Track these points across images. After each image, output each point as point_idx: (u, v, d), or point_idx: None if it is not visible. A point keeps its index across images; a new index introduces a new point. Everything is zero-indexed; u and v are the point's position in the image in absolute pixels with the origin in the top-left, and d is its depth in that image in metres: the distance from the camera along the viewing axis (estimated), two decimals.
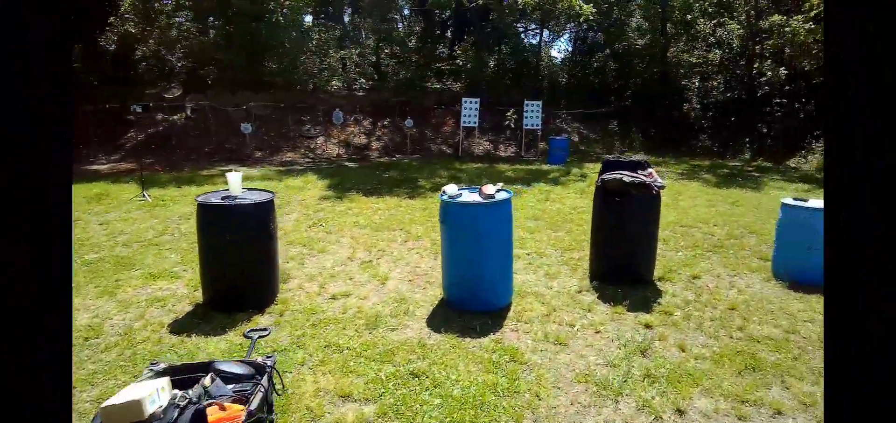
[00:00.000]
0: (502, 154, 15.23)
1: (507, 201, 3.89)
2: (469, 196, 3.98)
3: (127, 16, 15.72)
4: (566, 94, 18.95)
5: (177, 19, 16.07)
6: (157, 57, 15.36)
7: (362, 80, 17.26)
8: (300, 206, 7.61)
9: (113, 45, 15.62)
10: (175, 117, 14.62)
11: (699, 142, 16.35)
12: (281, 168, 11.82)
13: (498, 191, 4.00)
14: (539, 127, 14.42)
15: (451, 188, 3.99)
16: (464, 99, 14.32)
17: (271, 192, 4.18)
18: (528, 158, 14.36)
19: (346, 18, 20.47)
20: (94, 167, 11.54)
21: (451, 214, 3.83)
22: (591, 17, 14.31)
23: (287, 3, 14.71)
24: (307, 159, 13.42)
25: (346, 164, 12.71)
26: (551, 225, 6.75)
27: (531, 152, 15.08)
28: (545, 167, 12.20)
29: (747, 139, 15.08)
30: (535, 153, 14.82)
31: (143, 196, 7.76)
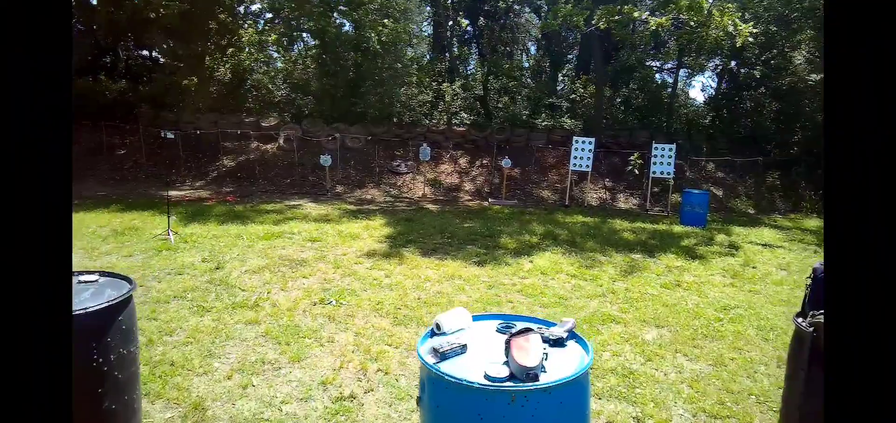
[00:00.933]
0: (621, 206, 12.39)
1: (577, 385, 1.60)
2: (485, 352, 1.77)
3: (243, 45, 16.03)
4: (708, 137, 15.43)
5: (288, 51, 15.99)
6: (259, 86, 15.30)
7: (464, 113, 15.62)
8: (331, 265, 5.88)
9: (228, 75, 15.98)
10: (269, 146, 14.23)
11: None
12: (355, 207, 10.43)
13: (558, 341, 1.75)
14: (671, 175, 11.41)
15: (448, 320, 1.84)
16: (575, 138, 11.88)
17: (129, 281, 2.32)
18: (655, 213, 11.38)
19: (455, 48, 19.18)
20: (173, 193, 11.19)
21: (437, 403, 1.65)
22: (751, 39, 11.06)
23: (385, 31, 13.67)
24: (388, 198, 11.96)
25: (428, 206, 10.96)
26: (684, 340, 4.13)
27: (659, 207, 12.05)
28: (677, 229, 9.24)
29: None
30: (665, 208, 11.77)
31: (168, 235, 6.64)
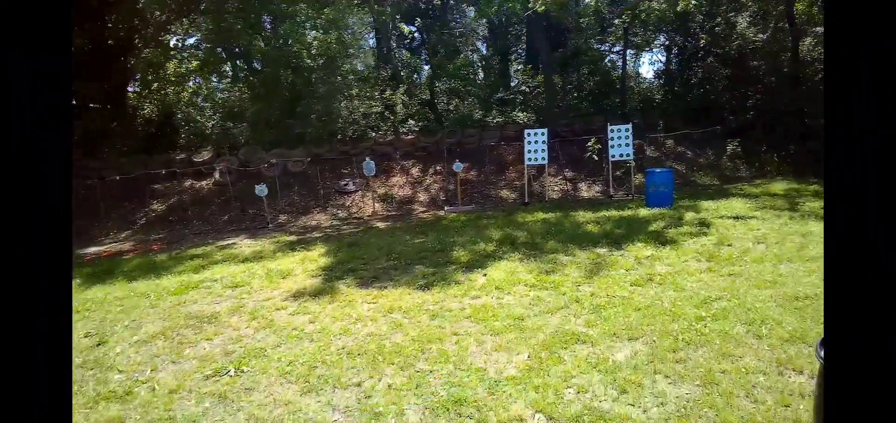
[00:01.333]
0: (584, 195, 11.77)
1: None
2: None
3: (169, 78, 14.82)
4: (663, 113, 15.04)
5: (211, 81, 14.86)
6: (188, 121, 14.11)
7: (411, 121, 14.79)
8: (246, 317, 4.92)
9: (154, 113, 14.73)
10: (204, 183, 13.07)
11: None
12: (297, 236, 9.44)
13: None
14: (631, 157, 10.84)
15: None
16: (527, 131, 11.20)
17: None
18: (619, 197, 10.78)
19: (403, 54, 18.34)
20: (91, 249, 9.94)
21: None
22: (693, 4, 10.60)
23: (315, 44, 12.74)
24: (336, 221, 10.99)
25: (377, 224, 10.05)
26: (664, 354, 3.37)
27: (623, 190, 11.47)
28: (643, 212, 8.62)
29: None
30: (629, 191, 11.19)
31: None
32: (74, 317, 5.30)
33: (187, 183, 13.05)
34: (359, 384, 3.28)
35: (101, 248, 10.13)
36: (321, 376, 3.45)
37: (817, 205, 8.49)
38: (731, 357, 3.32)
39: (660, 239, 6.62)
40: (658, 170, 9.80)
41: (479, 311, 4.54)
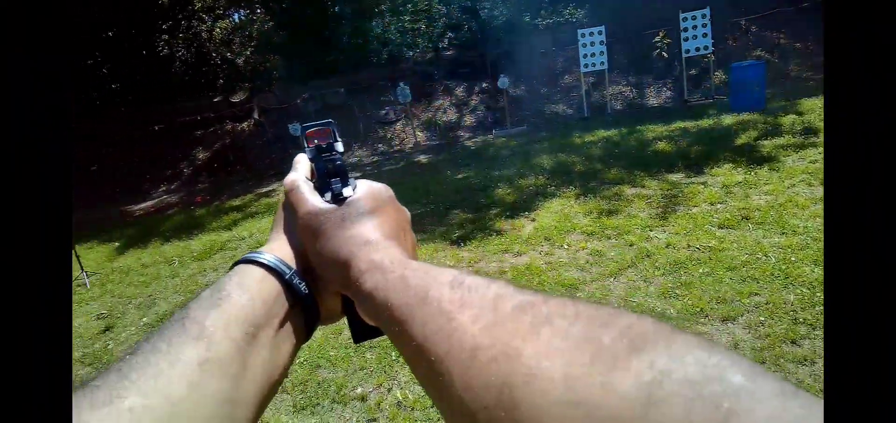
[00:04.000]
0: (653, 103, 10.23)
1: None
2: None
3: (199, 15, 14.24)
4: None
5: (239, 12, 14.12)
6: (222, 59, 13.60)
7: (450, 33, 13.41)
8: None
9: (189, 56, 14.34)
10: (243, 125, 12.72)
11: None
12: None
13: None
14: (710, 50, 9.09)
15: None
16: (580, 32, 9.65)
17: None
18: (696, 102, 9.20)
19: None
20: (142, 205, 9.94)
21: None
22: None
23: None
24: (376, 157, 10.30)
25: (419, 158, 9.25)
26: (778, 342, 2.40)
27: (700, 93, 9.81)
28: (728, 120, 7.17)
29: None
30: (710, 94, 9.54)
31: (83, 279, 5.31)
32: (94, 294, 5.03)
33: (228, 126, 12.76)
34: (363, 398, 2.61)
35: (151, 202, 10.13)
36: (324, 378, 2.81)
37: None
38: None
39: (753, 157, 5.33)
40: (746, 63, 8.10)
41: (522, 274, 3.71)
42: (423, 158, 9.15)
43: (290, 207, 0.44)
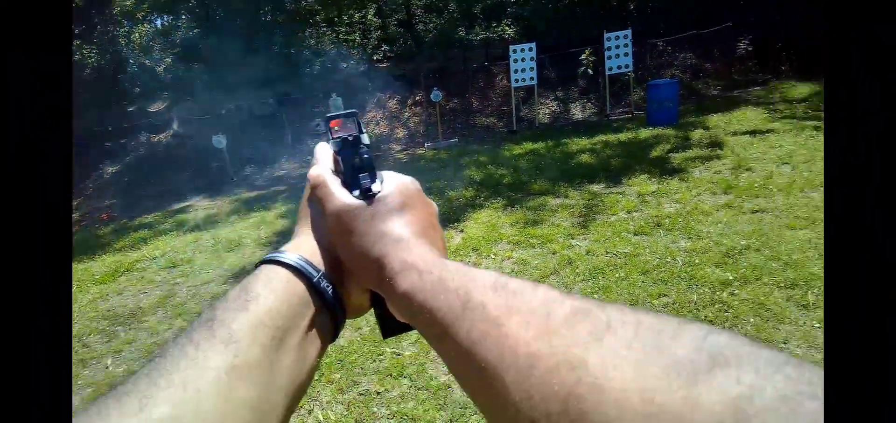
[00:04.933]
0: (578, 117, 10.67)
1: None
2: None
3: (115, 17, 13.27)
4: (663, 13, 13.55)
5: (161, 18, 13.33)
6: (139, 67, 12.74)
7: (385, 46, 13.37)
8: (171, 310, 4.06)
9: (103, 62, 13.30)
10: (161, 136, 11.94)
11: None
12: (260, 191, 8.49)
13: None
14: (630, 69, 9.63)
15: None
16: (512, 48, 9.92)
17: None
18: (617, 117, 9.69)
19: None
20: None
21: None
22: None
23: None
24: (306, 169, 9.98)
25: None
26: (683, 313, 2.49)
27: (620, 109, 10.36)
28: (645, 133, 7.60)
29: None
30: (628, 109, 10.09)
31: None
32: None
33: (142, 138, 11.92)
34: None
35: None
36: None
37: None
38: (772, 342, 2.47)
39: (665, 168, 5.66)
40: (662, 81, 8.65)
41: None
42: None
43: (317, 203, 0.43)
